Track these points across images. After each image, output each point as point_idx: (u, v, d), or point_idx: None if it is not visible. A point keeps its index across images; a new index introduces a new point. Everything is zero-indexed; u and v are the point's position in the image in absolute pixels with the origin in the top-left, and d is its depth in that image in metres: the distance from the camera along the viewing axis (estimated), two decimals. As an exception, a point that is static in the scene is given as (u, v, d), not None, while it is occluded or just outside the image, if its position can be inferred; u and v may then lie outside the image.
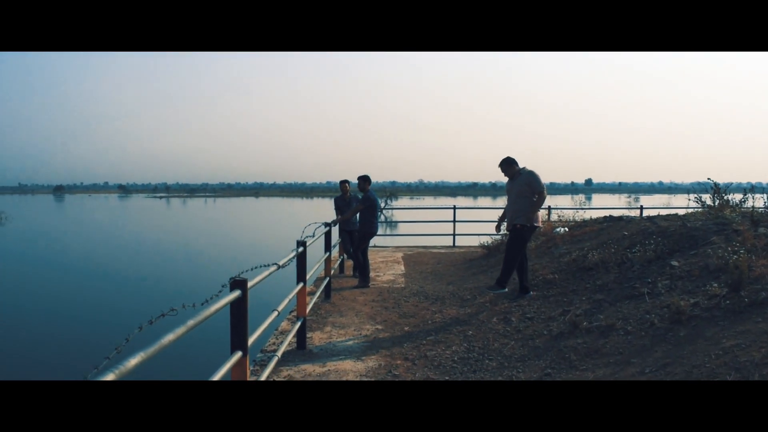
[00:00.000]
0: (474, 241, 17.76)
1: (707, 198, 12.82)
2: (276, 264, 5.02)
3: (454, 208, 18.01)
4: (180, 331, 2.46)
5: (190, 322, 2.63)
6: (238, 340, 3.63)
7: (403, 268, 13.17)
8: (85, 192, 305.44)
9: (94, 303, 16.40)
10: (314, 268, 8.26)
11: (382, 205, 74.55)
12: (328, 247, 9.42)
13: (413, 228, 22.75)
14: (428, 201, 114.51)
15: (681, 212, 13.88)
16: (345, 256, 12.32)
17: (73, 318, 14.82)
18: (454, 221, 17.90)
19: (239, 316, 3.65)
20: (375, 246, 17.25)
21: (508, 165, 8.33)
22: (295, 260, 6.40)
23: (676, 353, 4.87)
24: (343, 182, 11.77)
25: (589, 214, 15.76)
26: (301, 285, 6.58)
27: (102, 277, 20.78)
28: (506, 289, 8.36)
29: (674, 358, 4.78)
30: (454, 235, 17.90)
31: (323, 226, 9.23)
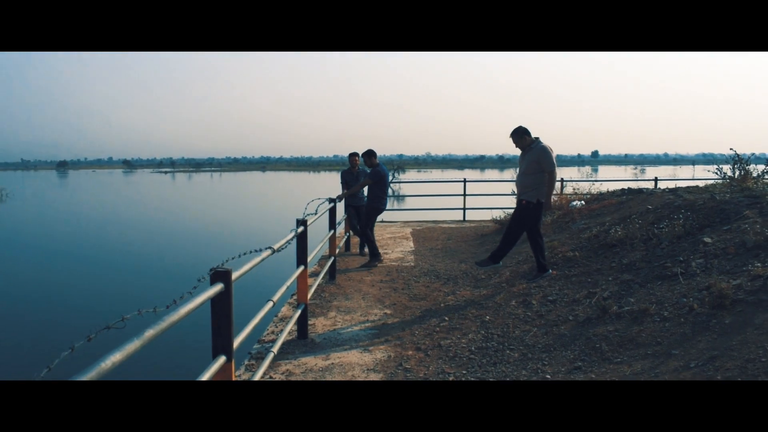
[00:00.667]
0: (485, 216, 17.20)
1: (727, 169, 12.14)
2: (270, 248, 4.47)
3: (464, 181, 17.37)
4: (130, 347, 1.90)
5: (148, 333, 2.07)
6: (221, 343, 3.08)
7: (412, 244, 12.61)
8: (89, 167, 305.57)
9: (73, 288, 15.02)
10: (318, 247, 7.73)
11: (390, 178, 73.96)
12: (332, 224, 8.86)
13: (422, 202, 22.17)
14: (436, 174, 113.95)
15: (697, 184, 13.28)
16: (351, 232, 11.74)
17: (44, 303, 13.68)
18: (464, 195, 17.28)
19: (222, 314, 3.10)
20: (383, 221, 16.67)
21: (518, 136, 7.59)
22: (294, 241, 5.85)
23: (724, 344, 4.29)
24: (353, 155, 11.14)
25: (605, 187, 15.15)
26: (301, 268, 6.03)
27: (89, 260, 19.15)
28: (500, 264, 7.85)
29: (722, 350, 4.21)
30: (464, 209, 17.30)
31: (327, 202, 8.66)
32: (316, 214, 7.17)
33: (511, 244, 7.69)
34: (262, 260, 4.15)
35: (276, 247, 4.60)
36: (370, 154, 10.09)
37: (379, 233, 14.02)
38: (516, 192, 7.83)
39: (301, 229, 5.86)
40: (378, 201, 9.82)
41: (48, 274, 17.27)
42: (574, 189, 14.00)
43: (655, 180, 17.24)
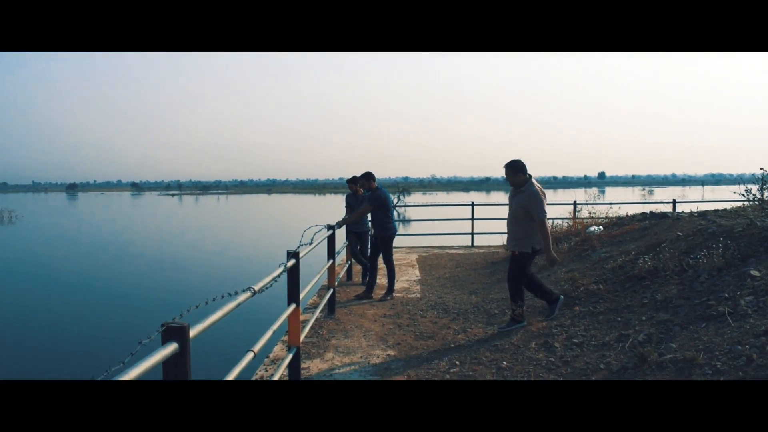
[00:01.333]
0: (494, 241, 16.43)
1: (756, 190, 11.31)
2: (250, 289, 3.73)
3: (472, 204, 16.62)
4: None
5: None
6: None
7: (418, 273, 11.85)
8: (98, 190, 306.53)
9: (61, 312, 14.90)
10: (314, 279, 6.98)
11: (395, 201, 72.98)
12: (331, 253, 8.11)
13: (428, 227, 21.30)
14: (441, 196, 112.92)
15: (718, 207, 12.50)
16: (352, 261, 10.96)
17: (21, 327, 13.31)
18: (472, 219, 16.53)
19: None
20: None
21: (512, 171, 6.73)
22: (285, 275, 5.10)
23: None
24: (351, 181, 10.45)
25: (622, 210, 14.35)
26: (292, 307, 5.27)
27: (84, 284, 19.00)
28: (524, 323, 6.85)
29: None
30: (472, 234, 16.54)
31: (325, 230, 7.93)
32: (311, 243, 6.44)
33: (522, 295, 6.91)
34: (238, 305, 3.42)
35: (257, 287, 3.86)
36: (367, 177, 9.43)
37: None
38: (506, 240, 7.10)
39: (291, 262, 5.10)
40: (385, 228, 9.06)
41: (24, 298, 16.54)
42: (590, 213, 13.21)
43: (674, 202, 16.44)
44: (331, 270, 8.16)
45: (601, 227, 10.81)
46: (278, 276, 4.49)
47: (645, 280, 6.80)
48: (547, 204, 6.74)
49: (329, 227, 8.00)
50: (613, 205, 13.94)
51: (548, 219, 6.70)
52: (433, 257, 14.16)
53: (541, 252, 6.82)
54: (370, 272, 9.35)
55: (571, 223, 13.51)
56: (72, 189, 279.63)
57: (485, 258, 13.39)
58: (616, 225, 10.88)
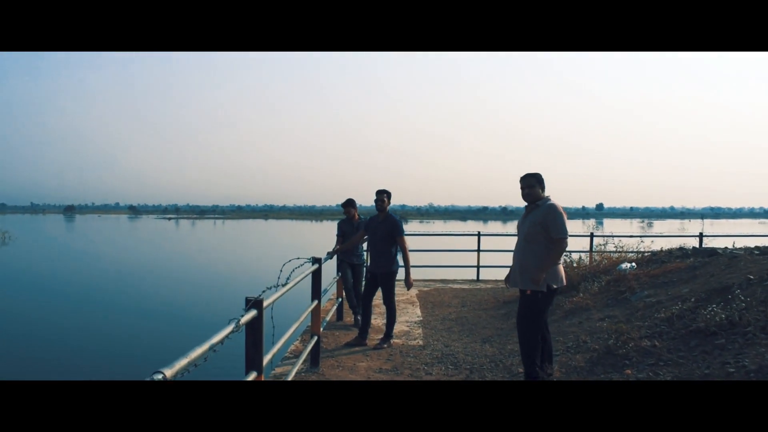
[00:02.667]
0: (502, 274, 14.90)
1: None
2: (160, 373, 2.21)
3: (479, 235, 15.11)
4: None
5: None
6: None
7: (419, 312, 10.29)
8: (96, 212, 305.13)
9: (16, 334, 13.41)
10: (300, 320, 5.48)
11: None
12: (316, 291, 6.57)
13: (429, 258, 19.59)
14: (438, 225, 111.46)
15: (753, 242, 11.06)
16: (344, 297, 9.38)
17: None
18: (479, 250, 15.00)
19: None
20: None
21: (530, 184, 5.39)
22: (244, 330, 3.57)
23: None
24: (348, 204, 8.98)
25: (642, 244, 12.87)
26: (252, 375, 3.73)
27: (60, 306, 17.78)
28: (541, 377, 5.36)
29: None
30: (478, 266, 14.98)
31: (310, 263, 6.42)
32: (288, 282, 4.93)
33: (534, 353, 5.35)
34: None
35: (170, 372, 2.34)
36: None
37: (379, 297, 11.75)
38: (511, 270, 5.56)
39: (251, 315, 3.56)
40: (390, 262, 7.56)
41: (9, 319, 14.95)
42: (616, 246, 11.63)
43: (700, 236, 14.94)
44: (316, 313, 6.62)
45: (634, 264, 9.28)
46: (222, 340, 2.95)
47: (717, 337, 5.25)
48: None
49: (314, 260, 6.47)
50: (633, 238, 12.41)
51: (566, 252, 5.23)
52: (435, 293, 12.61)
53: (558, 290, 5.35)
54: (362, 314, 7.79)
55: (587, 258, 12.03)
56: (70, 211, 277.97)
57: (494, 295, 11.84)
58: (652, 262, 9.36)
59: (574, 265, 10.29)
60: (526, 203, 5.42)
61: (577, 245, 15.02)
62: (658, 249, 10.94)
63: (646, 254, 10.50)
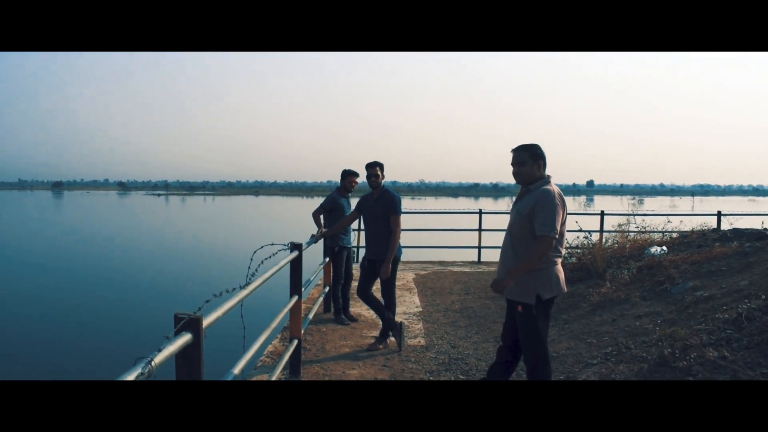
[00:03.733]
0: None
1: None
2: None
3: (480, 213, 13.88)
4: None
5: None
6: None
7: (417, 301, 9.08)
8: (85, 188, 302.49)
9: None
10: (276, 320, 4.30)
11: None
12: (296, 286, 5.32)
13: (426, 238, 18.17)
14: (430, 201, 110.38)
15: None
16: (328, 288, 8.07)
17: None
18: (480, 230, 13.77)
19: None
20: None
21: (519, 160, 4.07)
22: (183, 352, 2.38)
23: None
24: (349, 174, 7.62)
25: (651, 221, 11.65)
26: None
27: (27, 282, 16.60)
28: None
29: None
30: (479, 247, 13.77)
31: (288, 251, 5.17)
32: (253, 280, 3.70)
33: (545, 368, 4.02)
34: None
35: None
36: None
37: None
38: (497, 275, 4.16)
39: (180, 343, 2.32)
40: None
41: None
42: (639, 226, 10.35)
43: (719, 214, 13.77)
44: (296, 312, 5.40)
45: (664, 248, 8.08)
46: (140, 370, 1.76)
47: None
48: (567, 214, 4.04)
49: (293, 247, 5.22)
50: (648, 216, 11.15)
51: (565, 237, 4.08)
52: (435, 277, 11.40)
53: (551, 301, 4.03)
54: (373, 308, 6.48)
55: (608, 240, 10.82)
56: (58, 187, 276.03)
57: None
58: (685, 246, 8.17)
59: (593, 246, 9.08)
60: (521, 185, 4.13)
61: (587, 224, 13.81)
62: (684, 229, 9.76)
63: (672, 235, 9.32)
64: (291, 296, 5.25)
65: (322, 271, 7.88)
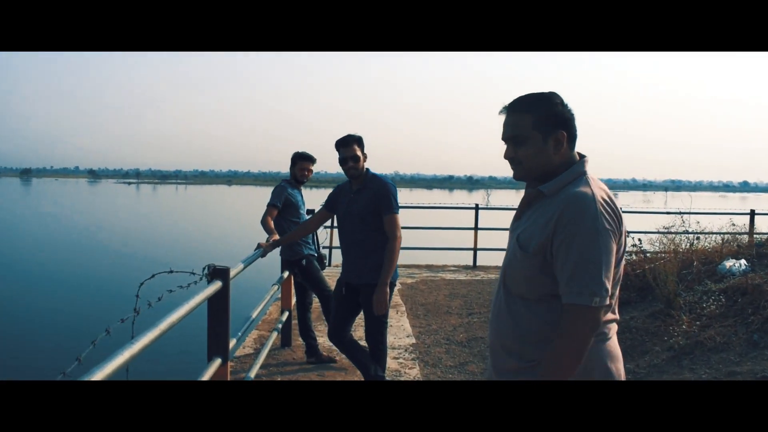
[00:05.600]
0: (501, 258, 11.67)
1: None
2: None
3: (476, 208, 11.65)
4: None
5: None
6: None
7: (407, 325, 6.90)
8: (54, 176, 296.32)
9: None
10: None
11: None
12: (218, 344, 3.06)
13: (412, 238, 15.54)
14: (404, 193, 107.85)
15: None
16: (291, 310, 5.87)
17: None
18: (476, 228, 11.56)
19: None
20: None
21: (517, 129, 1.90)
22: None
23: None
24: (301, 158, 5.45)
25: (695, 220, 9.55)
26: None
27: None
28: None
29: None
30: (475, 249, 11.57)
31: (205, 279, 2.94)
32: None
33: None
34: None
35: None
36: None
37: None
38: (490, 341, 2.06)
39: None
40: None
41: None
42: (692, 228, 8.12)
43: (752, 213, 11.78)
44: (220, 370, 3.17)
45: (744, 262, 5.98)
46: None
47: None
48: (624, 239, 1.85)
49: (212, 273, 2.95)
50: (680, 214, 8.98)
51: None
52: (425, 287, 9.23)
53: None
54: (357, 362, 4.26)
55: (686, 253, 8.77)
56: (26, 174, 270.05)
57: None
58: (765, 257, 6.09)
59: (654, 253, 6.95)
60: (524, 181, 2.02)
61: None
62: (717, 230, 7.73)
63: (737, 241, 7.24)
64: (209, 359, 2.99)
65: (278, 290, 5.65)
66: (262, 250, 4.23)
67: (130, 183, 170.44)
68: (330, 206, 4.31)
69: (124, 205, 56.19)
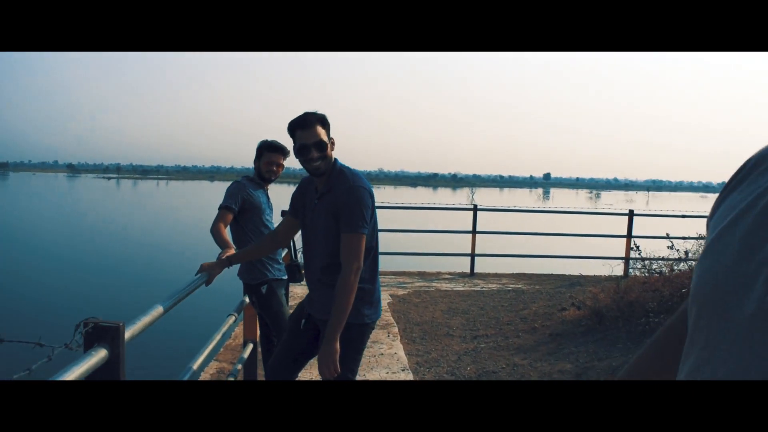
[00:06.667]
0: (503, 266, 10.52)
1: None
2: None
3: (475, 209, 10.41)
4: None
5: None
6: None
7: (401, 353, 5.68)
8: (32, 170, 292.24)
9: None
10: None
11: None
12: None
13: (402, 241, 14.12)
14: (389, 191, 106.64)
15: None
16: (257, 341, 4.59)
17: None
18: (474, 231, 10.33)
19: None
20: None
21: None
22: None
23: None
24: (270, 150, 4.18)
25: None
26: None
27: None
28: None
29: None
30: (473, 255, 10.34)
31: (77, 343, 1.70)
32: None
33: None
34: None
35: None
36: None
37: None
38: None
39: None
40: (366, 306, 2.88)
41: None
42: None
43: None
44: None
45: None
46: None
47: None
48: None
49: (90, 336, 1.73)
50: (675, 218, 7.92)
51: None
52: (419, 301, 8.03)
53: None
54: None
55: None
56: (3, 168, 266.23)
57: (513, 308, 7.43)
58: None
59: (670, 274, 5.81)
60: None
61: (611, 227, 10.60)
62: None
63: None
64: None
65: (238, 319, 4.41)
66: (208, 275, 2.98)
67: (110, 178, 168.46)
68: (295, 210, 3.08)
69: (98, 201, 54.40)
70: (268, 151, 4.07)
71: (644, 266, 8.09)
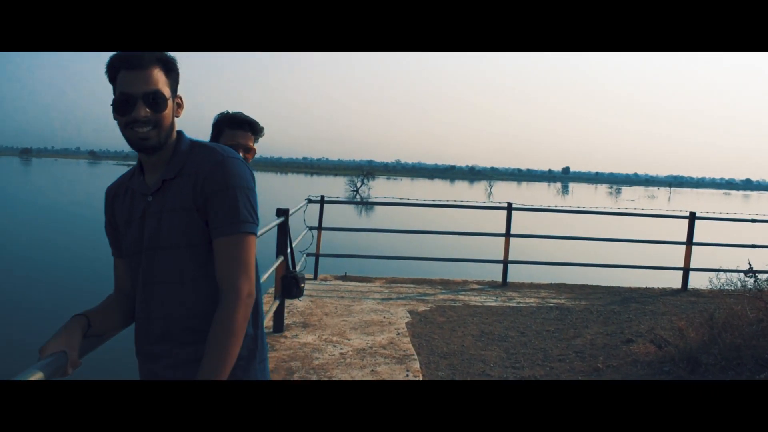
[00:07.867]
0: (539, 274, 9.10)
1: None
2: None
3: (509, 208, 8.95)
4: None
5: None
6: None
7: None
8: (54, 156, 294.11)
9: None
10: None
11: (358, 185, 58.98)
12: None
13: (421, 244, 12.45)
14: (406, 182, 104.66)
15: None
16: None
17: None
18: (508, 234, 8.87)
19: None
20: (347, 280, 8.22)
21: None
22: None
23: None
24: (233, 125, 2.63)
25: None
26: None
27: None
28: None
29: None
30: (505, 262, 8.89)
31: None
32: None
33: None
34: None
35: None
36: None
37: (330, 322, 5.66)
38: None
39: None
40: None
41: None
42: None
43: None
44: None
45: None
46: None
47: None
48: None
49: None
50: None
51: None
52: (444, 318, 6.65)
53: None
54: None
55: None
56: (26, 154, 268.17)
57: (560, 329, 6.07)
58: None
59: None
60: None
61: (668, 229, 9.14)
62: None
63: None
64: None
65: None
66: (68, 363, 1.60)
67: (129, 165, 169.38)
68: (117, 244, 1.88)
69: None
70: (230, 128, 2.64)
71: (716, 278, 6.85)
